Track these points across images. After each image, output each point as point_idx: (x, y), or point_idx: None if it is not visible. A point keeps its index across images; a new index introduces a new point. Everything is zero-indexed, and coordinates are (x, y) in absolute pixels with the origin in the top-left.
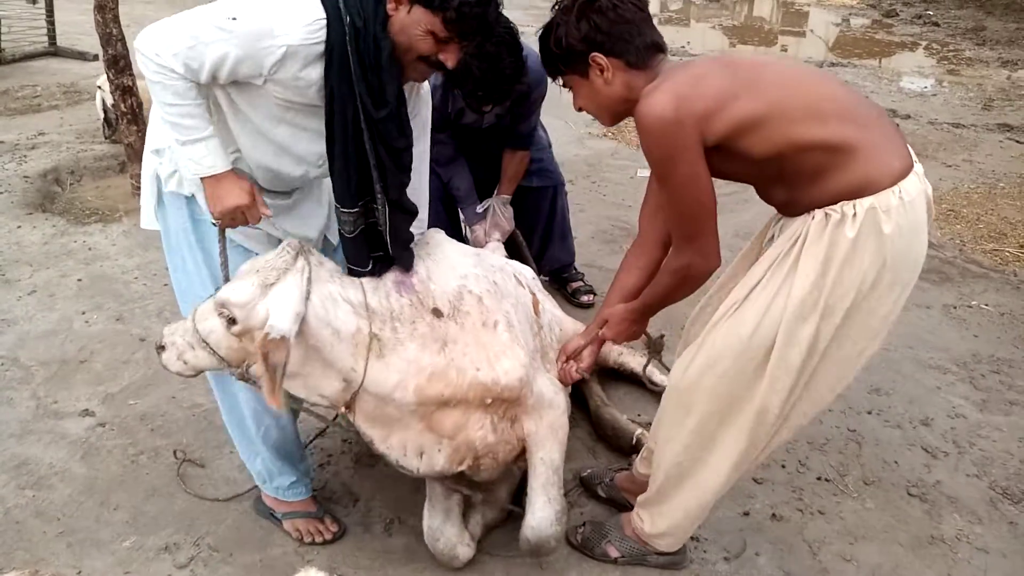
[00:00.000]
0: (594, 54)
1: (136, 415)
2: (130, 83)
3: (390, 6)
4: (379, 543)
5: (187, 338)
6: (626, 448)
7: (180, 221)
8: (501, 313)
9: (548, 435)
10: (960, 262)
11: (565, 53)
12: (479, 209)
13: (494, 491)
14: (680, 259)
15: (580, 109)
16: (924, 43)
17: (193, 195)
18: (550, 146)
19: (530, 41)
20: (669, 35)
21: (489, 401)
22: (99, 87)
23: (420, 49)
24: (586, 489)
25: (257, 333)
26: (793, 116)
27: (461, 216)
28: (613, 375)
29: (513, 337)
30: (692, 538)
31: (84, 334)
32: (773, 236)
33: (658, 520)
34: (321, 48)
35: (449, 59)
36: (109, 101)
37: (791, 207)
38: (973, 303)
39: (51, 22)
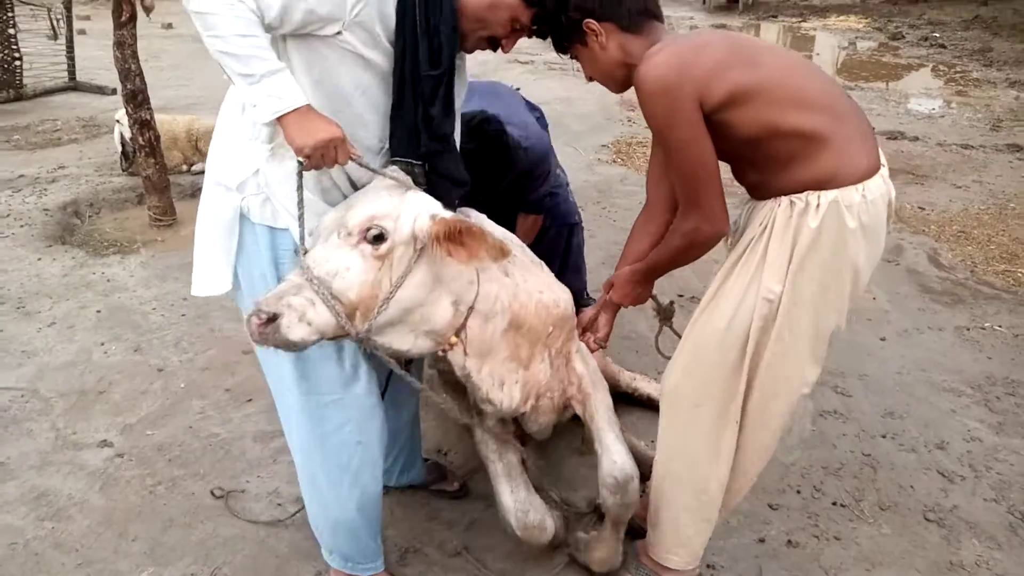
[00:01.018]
0: (587, 20)
1: (154, 445)
2: (148, 117)
3: None
4: (395, 572)
5: (303, 295)
6: (644, 474)
7: (260, 266)
8: (538, 260)
9: (597, 379)
10: (972, 283)
11: (564, 24)
12: None
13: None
14: (687, 222)
15: (590, 79)
16: (931, 65)
17: (287, 228)
18: (567, 185)
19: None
20: None
21: (550, 329)
22: (117, 121)
23: (495, 30)
24: (601, 518)
25: (399, 251)
26: (779, 97)
27: None
28: (627, 400)
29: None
30: (708, 565)
31: (103, 365)
32: (738, 223)
33: (660, 535)
34: None
35: (508, 47)
36: (127, 135)
37: (760, 190)
38: (986, 325)
39: (71, 58)
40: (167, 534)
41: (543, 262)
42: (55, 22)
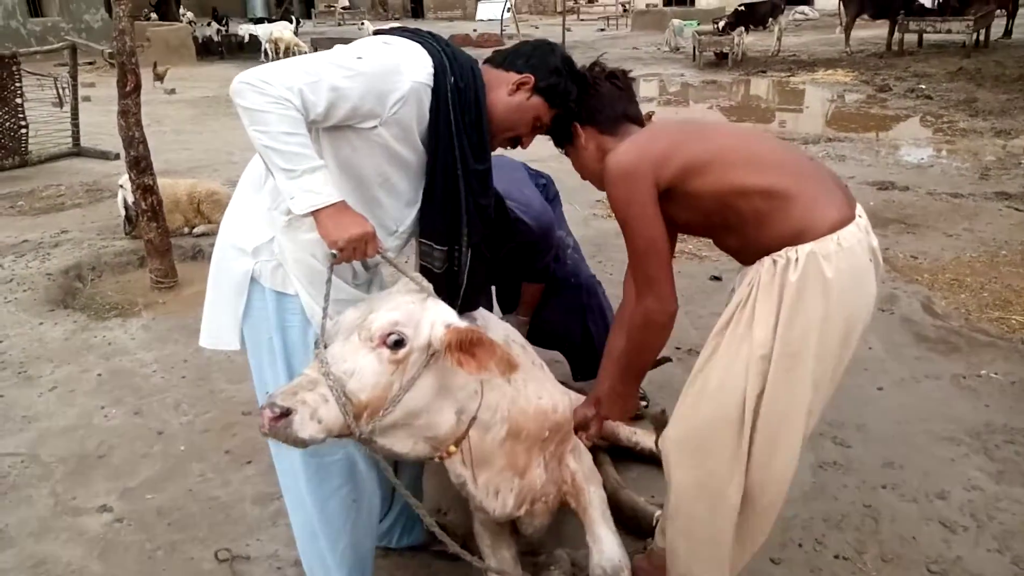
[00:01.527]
0: (574, 123)
1: (153, 509)
2: (151, 183)
3: (510, 88)
4: None
5: (318, 391)
6: (646, 530)
7: (268, 330)
8: (539, 361)
9: (591, 474)
10: (967, 331)
11: (556, 127)
12: None
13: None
14: (640, 306)
15: (582, 175)
16: (918, 115)
17: (297, 293)
18: (572, 247)
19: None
20: (668, 116)
21: (546, 434)
22: (121, 185)
23: (520, 130)
24: None
25: (414, 356)
26: (734, 162)
27: None
28: (628, 455)
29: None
30: None
31: (103, 429)
32: (733, 288)
33: None
34: (430, 95)
35: (527, 143)
36: (130, 199)
37: (744, 254)
38: (982, 372)
39: (75, 124)
40: None
41: (543, 363)
42: (61, 90)
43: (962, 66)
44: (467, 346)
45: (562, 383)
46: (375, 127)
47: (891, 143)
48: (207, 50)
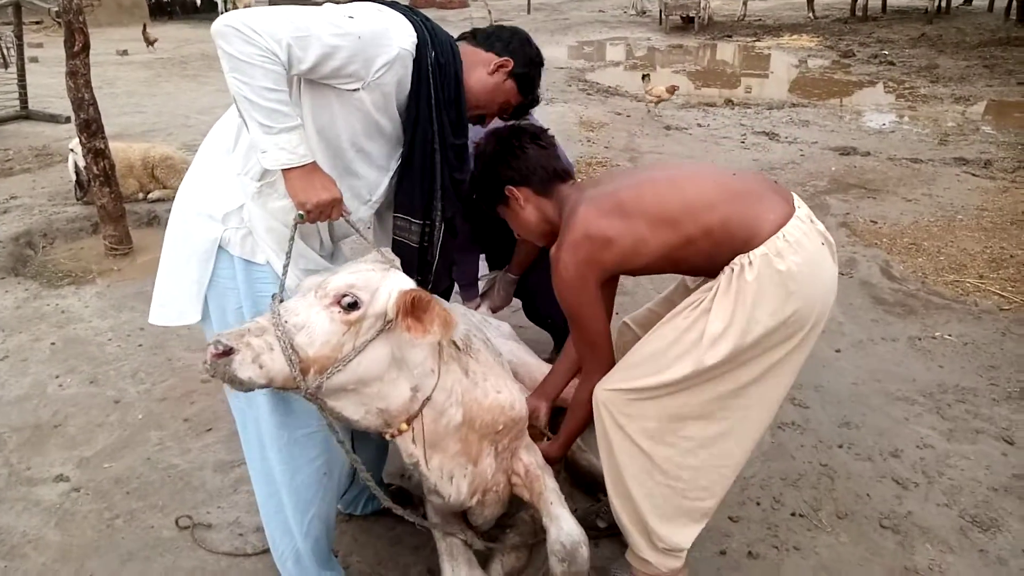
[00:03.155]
0: (508, 187)
1: (111, 478)
2: (102, 146)
3: (490, 68)
4: None
5: (265, 338)
6: (602, 487)
7: (236, 300)
8: (504, 357)
9: (543, 465)
10: (923, 294)
11: (489, 191)
12: (483, 280)
13: (503, 539)
14: (587, 387)
15: (519, 237)
16: (881, 82)
17: (268, 262)
18: None
19: None
20: (634, 80)
21: (500, 427)
22: (71, 150)
23: (490, 109)
24: (585, 527)
25: (368, 321)
26: (661, 230)
27: (456, 288)
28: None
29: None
30: None
31: (58, 398)
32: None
33: (633, 539)
34: (411, 66)
35: (489, 122)
36: (81, 163)
37: (705, 276)
38: (937, 334)
39: (23, 86)
40: (126, 568)
41: (505, 362)
42: (5, 50)
43: (924, 32)
44: (412, 308)
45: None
46: (357, 90)
47: (854, 109)
48: (160, 9)
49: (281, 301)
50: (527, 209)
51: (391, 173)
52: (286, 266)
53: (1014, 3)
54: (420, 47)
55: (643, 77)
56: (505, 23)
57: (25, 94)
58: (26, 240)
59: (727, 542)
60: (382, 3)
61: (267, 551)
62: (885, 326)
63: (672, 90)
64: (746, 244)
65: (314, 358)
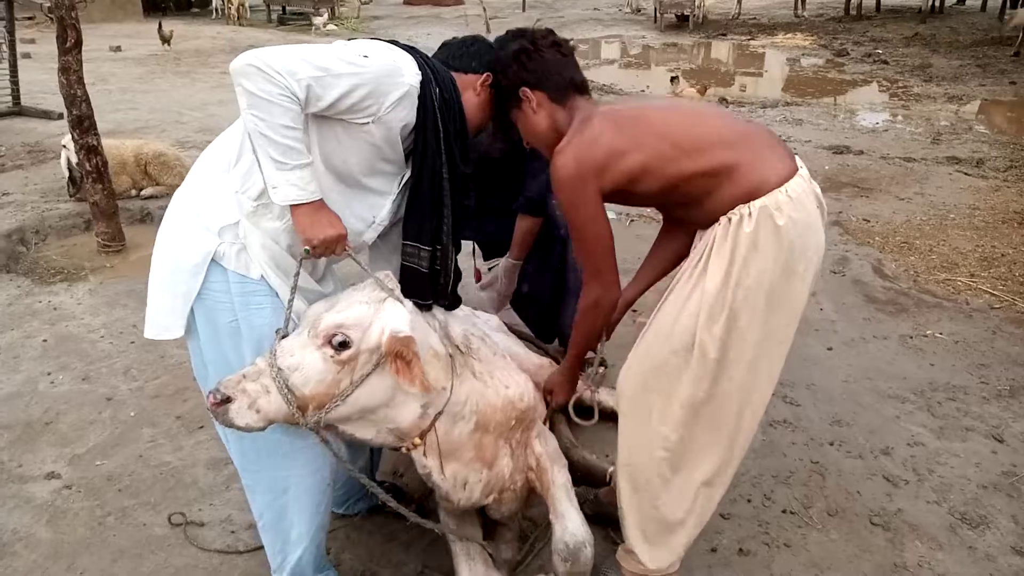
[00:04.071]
0: (523, 88)
1: (103, 476)
2: (95, 143)
3: (476, 90)
4: None
5: (261, 381)
6: (599, 484)
7: (230, 314)
8: (500, 348)
9: (556, 456)
10: (915, 293)
11: (503, 92)
12: (487, 269)
13: (504, 534)
14: (589, 295)
15: (527, 145)
16: (875, 80)
17: (263, 276)
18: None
19: None
20: (629, 79)
21: (512, 423)
22: (64, 146)
23: (485, 124)
24: None
25: (363, 357)
26: (673, 156)
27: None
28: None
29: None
30: None
31: (49, 395)
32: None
33: (630, 534)
34: (417, 101)
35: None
36: (74, 160)
37: (699, 222)
38: (928, 332)
39: (15, 82)
40: (117, 566)
41: (504, 353)
42: None
43: (918, 32)
44: (400, 357)
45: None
46: (367, 123)
47: (847, 108)
48: (154, 6)
49: (284, 336)
50: (539, 115)
51: (394, 196)
52: (290, 302)
53: (1007, 3)
54: (424, 84)
55: (672, 80)
56: (499, 21)
57: (17, 90)
58: (18, 237)
59: (718, 539)
60: (388, 41)
61: (259, 548)
62: (877, 324)
63: (703, 90)
64: (749, 194)
65: (310, 396)
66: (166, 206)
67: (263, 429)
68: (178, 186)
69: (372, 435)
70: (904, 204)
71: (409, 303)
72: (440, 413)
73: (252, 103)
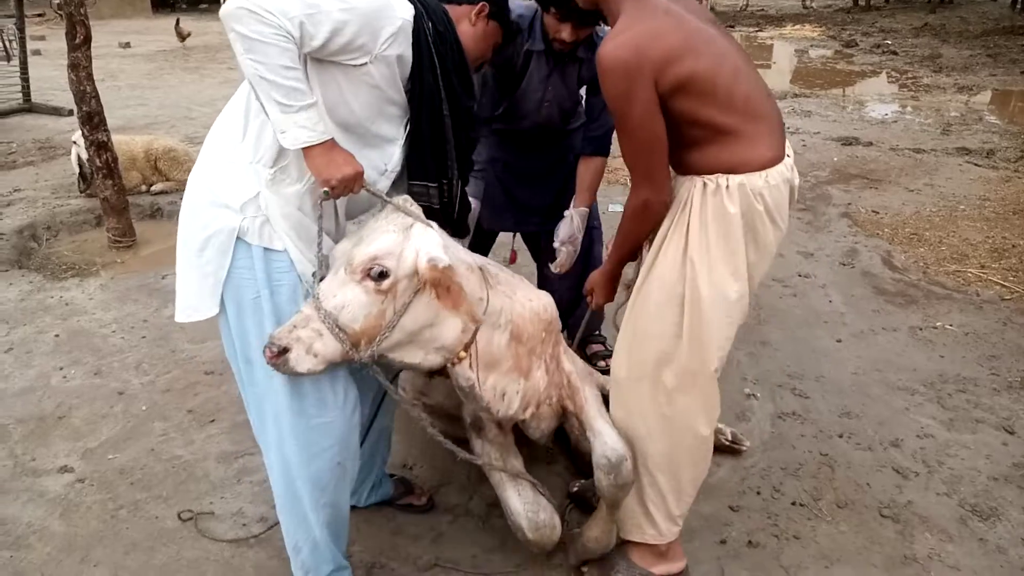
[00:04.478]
0: None
1: (115, 469)
2: (105, 139)
3: (471, 20)
4: None
5: (312, 326)
6: None
7: (254, 290)
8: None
9: (584, 374)
10: (924, 284)
11: None
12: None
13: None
14: (638, 196)
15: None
16: (884, 71)
17: (285, 248)
18: None
19: None
20: None
21: (543, 335)
22: (74, 142)
23: (487, 55)
24: (579, 504)
25: (403, 283)
26: (707, 92)
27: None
28: None
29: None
30: None
31: (62, 390)
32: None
33: (631, 511)
34: (411, 37)
35: (486, 66)
36: (84, 156)
37: (673, 164)
38: (938, 324)
39: (25, 79)
40: (130, 558)
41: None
42: (7, 43)
43: (927, 22)
44: (442, 287)
45: None
46: (365, 64)
47: (856, 99)
48: (163, 1)
49: (322, 279)
50: None
51: (403, 141)
52: (319, 245)
53: None
54: (417, 19)
55: None
56: None
57: (28, 87)
58: (30, 233)
59: (727, 531)
60: None
61: (270, 538)
62: (886, 316)
63: None
64: (729, 167)
65: (361, 331)
66: (176, 201)
67: (324, 372)
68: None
69: (420, 359)
70: (914, 195)
71: (435, 224)
72: (479, 325)
73: (249, 47)
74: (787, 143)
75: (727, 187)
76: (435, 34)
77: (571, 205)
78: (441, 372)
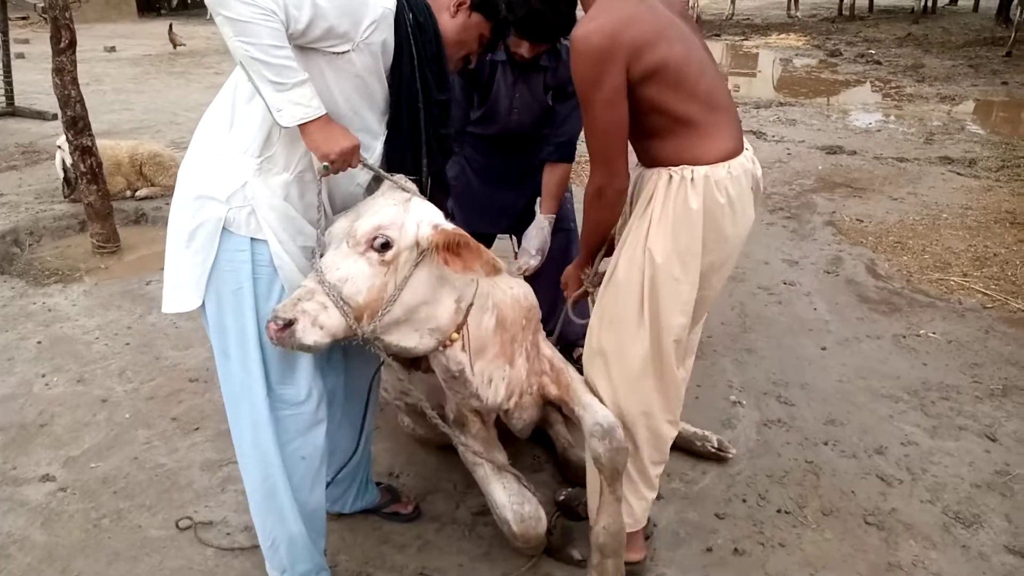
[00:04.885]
0: None
1: (98, 478)
2: (89, 143)
3: (450, 11)
4: None
5: (316, 299)
6: (582, 479)
7: (236, 282)
8: None
9: (564, 361)
10: (908, 292)
11: None
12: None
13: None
14: (593, 183)
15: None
16: (868, 81)
17: (267, 241)
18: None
19: None
20: None
21: (523, 322)
22: (59, 147)
23: (471, 47)
24: (566, 513)
25: (404, 255)
26: (673, 83)
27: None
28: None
29: None
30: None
31: (44, 397)
32: (631, 194)
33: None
34: (392, 26)
35: (475, 59)
36: (69, 161)
37: (637, 153)
38: (921, 332)
39: (8, 82)
40: (112, 568)
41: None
42: None
43: (910, 32)
44: (454, 247)
45: None
46: (347, 51)
47: (841, 108)
48: (149, 5)
49: (322, 255)
50: None
51: (383, 136)
52: (321, 218)
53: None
54: (399, 9)
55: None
56: None
57: (11, 91)
58: (12, 238)
59: (713, 539)
60: None
61: (255, 547)
62: (870, 324)
63: None
64: (692, 158)
65: (364, 304)
66: (162, 207)
67: (327, 347)
68: (173, 187)
69: (416, 340)
70: (897, 204)
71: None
72: (471, 305)
73: (237, 29)
74: (744, 139)
75: (691, 179)
76: (415, 24)
77: (537, 213)
78: (427, 368)
